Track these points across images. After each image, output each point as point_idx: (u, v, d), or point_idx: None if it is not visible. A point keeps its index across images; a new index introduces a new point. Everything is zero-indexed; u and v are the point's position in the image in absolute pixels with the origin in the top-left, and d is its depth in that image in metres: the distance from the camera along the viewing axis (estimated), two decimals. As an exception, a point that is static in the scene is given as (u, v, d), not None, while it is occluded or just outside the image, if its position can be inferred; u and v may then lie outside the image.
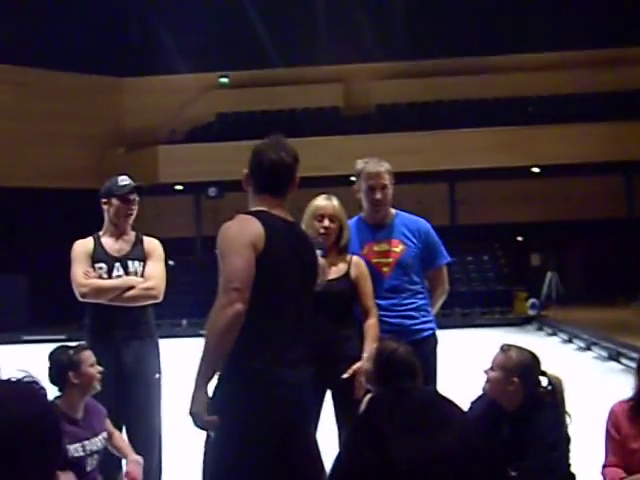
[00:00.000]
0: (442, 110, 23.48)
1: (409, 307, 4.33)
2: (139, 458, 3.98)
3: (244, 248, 3.06)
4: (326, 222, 4.15)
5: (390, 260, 4.35)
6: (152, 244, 4.67)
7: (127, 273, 4.50)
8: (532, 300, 19.80)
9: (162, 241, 4.74)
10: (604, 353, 12.65)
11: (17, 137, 22.90)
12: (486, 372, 3.66)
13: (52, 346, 3.95)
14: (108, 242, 4.57)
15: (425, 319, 4.38)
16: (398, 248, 4.37)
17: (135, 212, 4.63)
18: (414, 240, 4.39)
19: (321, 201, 4.22)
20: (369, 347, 3.94)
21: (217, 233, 3.17)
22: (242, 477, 3.08)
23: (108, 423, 4.00)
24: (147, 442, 4.39)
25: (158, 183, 21.26)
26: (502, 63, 24.15)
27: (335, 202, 4.24)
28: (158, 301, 4.56)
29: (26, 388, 1.49)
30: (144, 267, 4.55)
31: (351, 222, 4.44)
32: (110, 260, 4.50)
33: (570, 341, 15.17)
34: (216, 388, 3.14)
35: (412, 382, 3.42)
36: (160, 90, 25.00)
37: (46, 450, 1.42)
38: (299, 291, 3.23)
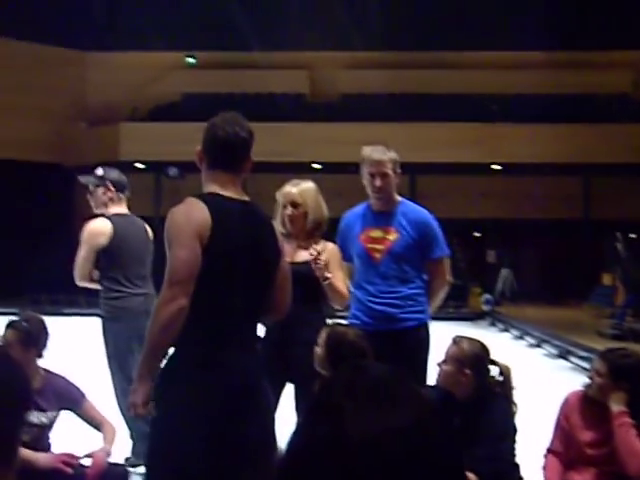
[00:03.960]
0: (407, 102, 23.52)
1: (395, 295, 4.29)
2: (109, 449, 3.98)
3: (189, 239, 3.00)
4: (289, 210, 4.18)
5: (382, 247, 4.34)
6: None
7: None
8: (486, 296, 19.98)
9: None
10: (554, 351, 12.82)
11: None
12: (439, 365, 3.72)
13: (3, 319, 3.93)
14: None
15: (412, 309, 4.31)
16: (391, 236, 4.34)
17: None
18: (409, 230, 4.35)
19: (287, 188, 4.24)
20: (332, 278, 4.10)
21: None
22: (175, 462, 3.01)
23: (88, 405, 4.09)
24: None
25: (118, 160, 20.99)
26: (469, 59, 24.28)
27: (300, 188, 4.23)
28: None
29: None
30: None
31: (359, 207, 4.49)
32: None
33: (521, 338, 15.35)
34: (159, 373, 3.09)
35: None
36: (125, 66, 24.70)
37: (18, 407, 1.43)
38: (253, 274, 3.14)
